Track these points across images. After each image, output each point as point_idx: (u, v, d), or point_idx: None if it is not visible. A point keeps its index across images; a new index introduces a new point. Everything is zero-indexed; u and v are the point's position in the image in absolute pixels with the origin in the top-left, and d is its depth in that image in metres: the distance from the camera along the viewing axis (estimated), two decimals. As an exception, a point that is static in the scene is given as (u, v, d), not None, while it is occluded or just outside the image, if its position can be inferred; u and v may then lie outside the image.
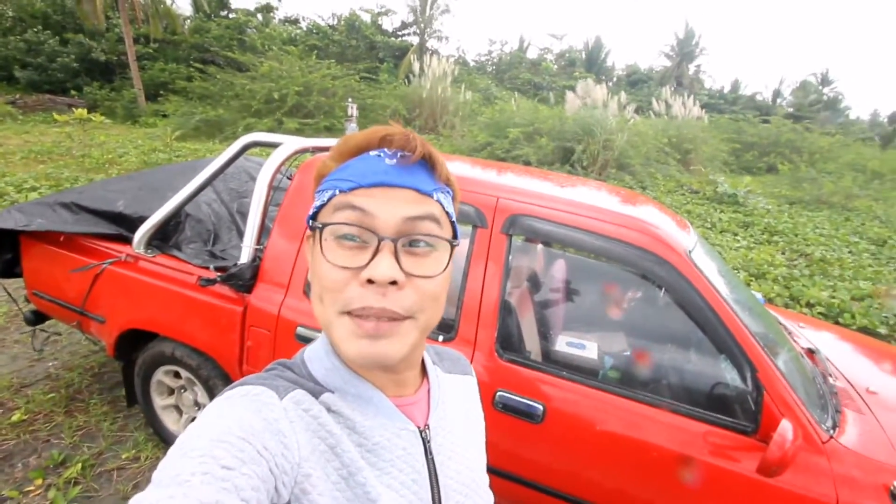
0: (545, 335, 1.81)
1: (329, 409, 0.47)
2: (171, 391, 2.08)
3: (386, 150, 0.48)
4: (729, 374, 1.35)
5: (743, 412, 1.25)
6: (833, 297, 4.79)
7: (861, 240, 7.59)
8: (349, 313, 0.45)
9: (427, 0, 20.18)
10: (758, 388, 1.20)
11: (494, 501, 0.61)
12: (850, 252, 6.75)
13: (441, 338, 1.47)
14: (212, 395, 1.91)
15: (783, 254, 6.30)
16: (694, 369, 1.45)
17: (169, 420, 2.09)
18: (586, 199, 1.53)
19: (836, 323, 4.22)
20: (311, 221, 0.49)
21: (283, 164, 1.75)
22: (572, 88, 14.73)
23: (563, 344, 1.75)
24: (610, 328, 1.92)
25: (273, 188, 1.78)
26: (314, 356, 0.52)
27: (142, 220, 1.95)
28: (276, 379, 0.48)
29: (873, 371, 1.72)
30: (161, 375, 2.03)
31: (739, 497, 1.20)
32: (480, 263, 1.46)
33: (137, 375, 2.04)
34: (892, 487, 1.09)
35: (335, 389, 0.49)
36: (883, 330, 4.23)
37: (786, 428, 1.08)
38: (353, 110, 2.34)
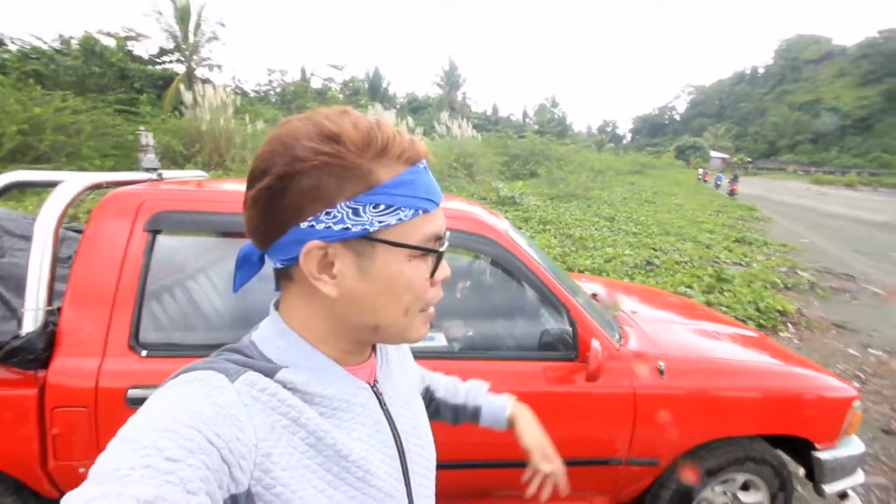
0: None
1: (285, 386, 0.47)
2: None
3: (425, 161, 0.50)
4: (549, 322, 1.70)
5: (565, 346, 1.61)
6: (594, 264, 6.23)
7: (600, 219, 10.01)
8: (424, 309, 0.52)
9: (189, 26, 18.31)
10: (572, 324, 1.57)
11: None
12: (595, 229, 8.84)
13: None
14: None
15: (555, 238, 7.86)
16: (526, 326, 1.78)
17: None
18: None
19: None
20: (370, 235, 0.46)
21: (69, 205, 1.46)
22: (363, 115, 15.32)
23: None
24: (451, 317, 2.17)
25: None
26: (264, 338, 0.51)
27: None
28: (225, 362, 0.47)
29: (630, 300, 2.38)
30: None
31: (578, 407, 1.55)
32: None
33: None
34: (658, 366, 1.58)
35: (291, 365, 0.49)
36: (626, 279, 5.72)
37: (596, 345, 1.45)
38: (147, 139, 1.99)
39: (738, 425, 1.65)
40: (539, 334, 1.71)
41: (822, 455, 1.71)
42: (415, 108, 32.51)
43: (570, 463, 1.61)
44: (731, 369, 1.72)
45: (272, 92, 25.35)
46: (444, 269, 0.52)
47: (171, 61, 19.45)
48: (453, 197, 2.11)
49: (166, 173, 1.96)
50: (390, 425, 0.56)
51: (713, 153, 55.27)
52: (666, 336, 1.86)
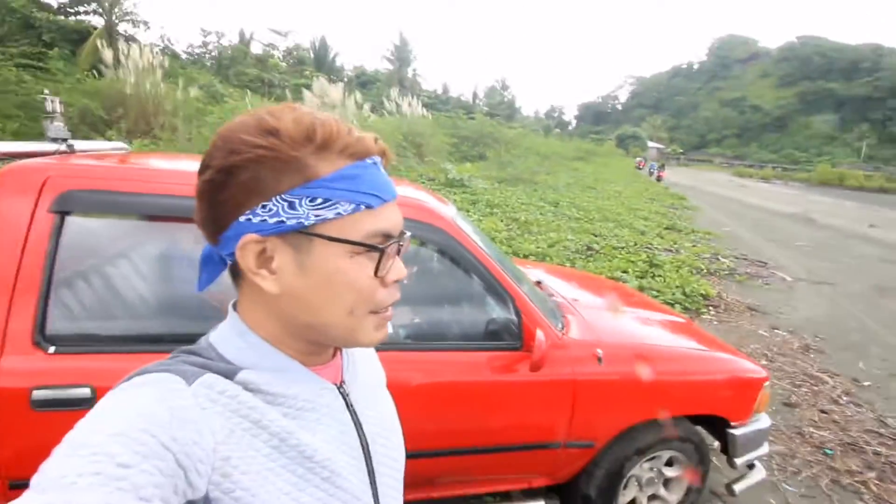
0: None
1: (247, 388, 0.46)
2: None
3: (377, 157, 0.48)
4: (495, 311, 1.72)
5: (510, 335, 1.63)
6: (538, 248, 6.40)
7: (545, 204, 10.28)
8: (379, 311, 0.50)
9: (108, -26, 16.37)
10: (518, 314, 1.60)
11: None
12: (540, 214, 9.08)
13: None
14: None
15: (502, 221, 7.99)
16: (471, 315, 1.79)
17: None
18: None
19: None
20: (307, 228, 0.45)
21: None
22: (307, 87, 14.62)
23: None
24: (395, 304, 2.13)
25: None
26: (223, 338, 0.50)
27: None
28: (182, 364, 0.45)
29: (572, 287, 2.47)
30: None
31: (521, 395, 1.59)
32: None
33: None
34: (597, 354, 1.65)
35: (251, 367, 0.48)
36: (568, 264, 5.95)
37: (540, 335, 1.49)
38: (54, 105, 1.73)
39: (667, 407, 1.77)
40: (484, 323, 1.72)
41: (736, 431, 1.88)
42: (363, 82, 31.44)
43: (511, 448, 1.68)
44: (661, 355, 1.84)
45: (207, 55, 23.48)
46: (398, 270, 0.50)
47: (86, 13, 17.39)
48: (401, 181, 2.06)
49: (79, 144, 1.75)
50: (356, 426, 0.55)
51: (650, 143, 58.38)
52: (604, 323, 1.95)
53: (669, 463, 1.93)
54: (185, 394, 0.42)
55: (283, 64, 25.90)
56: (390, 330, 0.61)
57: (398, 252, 0.50)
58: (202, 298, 1.65)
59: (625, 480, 1.83)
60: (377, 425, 0.58)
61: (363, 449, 0.55)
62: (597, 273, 5.43)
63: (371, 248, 0.47)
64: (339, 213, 0.45)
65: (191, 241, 1.87)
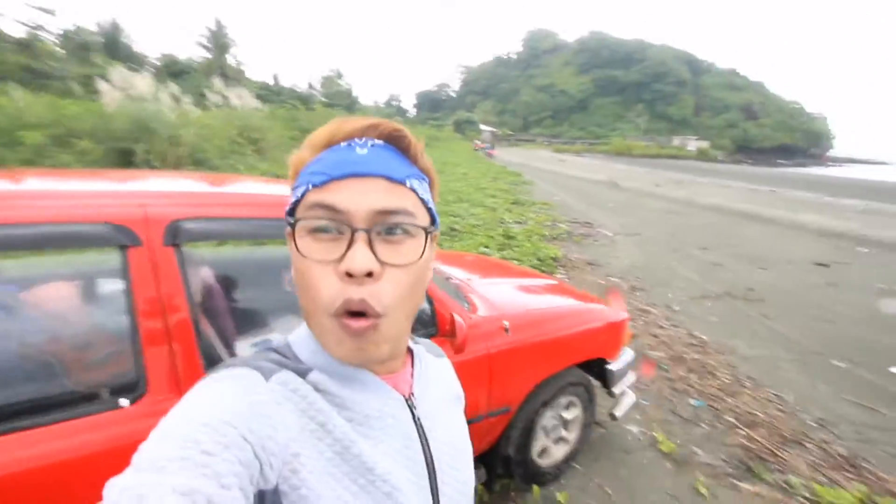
0: (231, 344, 1.68)
1: (317, 388, 0.47)
2: None
3: (357, 139, 0.47)
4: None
5: (423, 324, 1.65)
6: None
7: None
8: (334, 315, 0.44)
9: None
10: (430, 302, 1.61)
11: None
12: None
13: (127, 401, 1.12)
14: None
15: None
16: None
17: None
18: (246, 189, 1.49)
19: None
20: (288, 218, 0.47)
21: None
22: (102, 77, 12.11)
23: (250, 347, 1.68)
24: (287, 311, 1.97)
25: None
26: (299, 339, 0.51)
27: None
28: (262, 361, 0.48)
29: (462, 269, 2.58)
30: None
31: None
32: (150, 288, 1.18)
33: None
34: (504, 325, 1.77)
35: (321, 369, 0.49)
36: (438, 247, 6.18)
37: (459, 319, 1.53)
38: None
39: (563, 360, 2.01)
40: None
41: (613, 367, 2.23)
42: (176, 72, 27.24)
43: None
44: (553, 315, 2.06)
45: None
46: (351, 259, 0.42)
47: None
48: (247, 178, 1.88)
49: None
50: (422, 442, 0.53)
51: (483, 127, 63.29)
52: (501, 297, 2.09)
53: (566, 406, 2.20)
54: (263, 389, 0.44)
55: (61, 50, 20.92)
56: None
57: (370, 240, 0.43)
58: (26, 356, 1.28)
59: (535, 433, 2.03)
60: (445, 444, 0.56)
61: (428, 466, 0.53)
62: (464, 250, 5.77)
63: (287, 221, 0.47)
64: (297, 197, 0.47)
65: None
